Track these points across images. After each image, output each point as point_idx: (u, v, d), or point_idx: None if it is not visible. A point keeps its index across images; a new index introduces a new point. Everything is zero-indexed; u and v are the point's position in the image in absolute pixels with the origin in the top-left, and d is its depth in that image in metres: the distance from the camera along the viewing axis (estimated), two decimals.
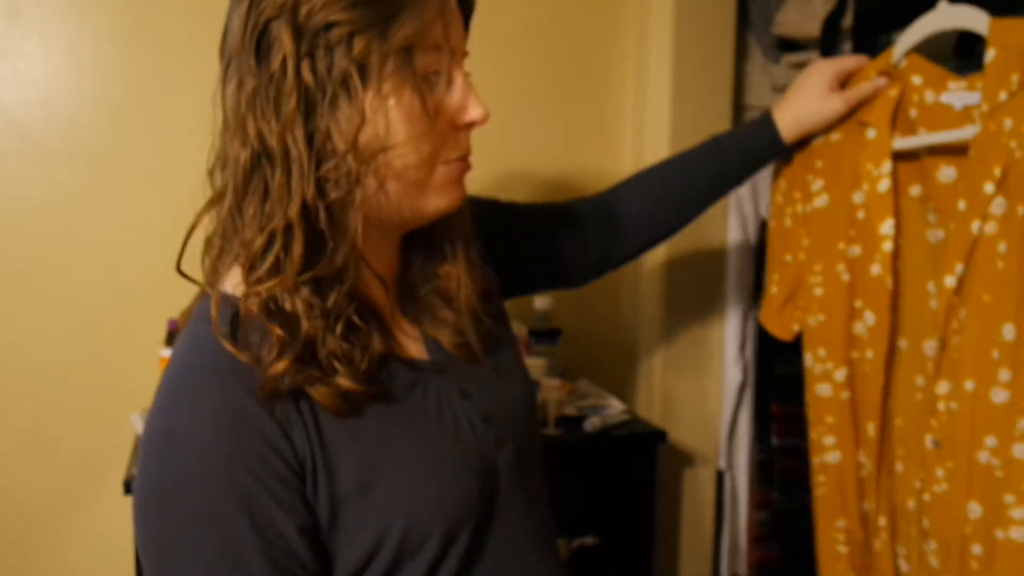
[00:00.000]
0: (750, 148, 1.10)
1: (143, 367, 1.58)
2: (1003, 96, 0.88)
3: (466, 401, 0.76)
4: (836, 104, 1.07)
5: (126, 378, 1.58)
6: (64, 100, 1.52)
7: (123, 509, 1.30)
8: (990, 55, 0.90)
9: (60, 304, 1.55)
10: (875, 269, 1.04)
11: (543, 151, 1.75)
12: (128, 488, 1.25)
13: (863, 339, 1.08)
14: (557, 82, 1.75)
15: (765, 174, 1.72)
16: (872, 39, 1.43)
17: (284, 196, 0.64)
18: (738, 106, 1.76)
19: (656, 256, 1.68)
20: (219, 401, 0.63)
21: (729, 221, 1.68)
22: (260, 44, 0.65)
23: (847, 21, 1.47)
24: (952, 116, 0.96)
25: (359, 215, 0.66)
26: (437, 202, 0.73)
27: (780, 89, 1.76)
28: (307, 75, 0.63)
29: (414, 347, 0.77)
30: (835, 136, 1.08)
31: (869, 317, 1.06)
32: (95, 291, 1.56)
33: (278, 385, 0.63)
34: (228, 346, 0.64)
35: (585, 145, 1.78)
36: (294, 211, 0.64)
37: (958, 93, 0.95)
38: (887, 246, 1.01)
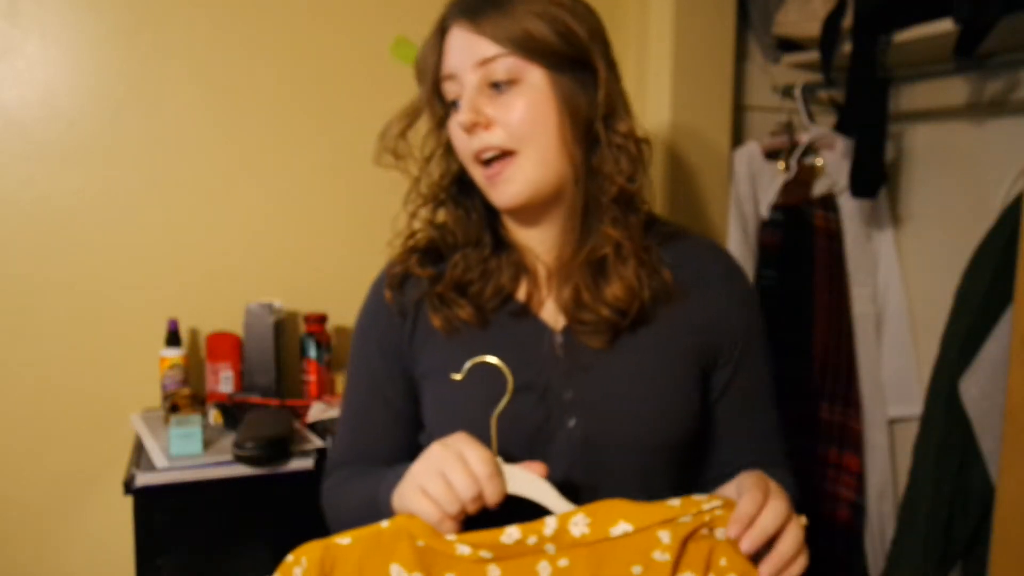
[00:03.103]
0: None
1: (143, 367, 1.58)
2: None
3: (561, 376, 0.89)
4: None
5: (126, 378, 1.58)
6: (64, 100, 1.52)
7: (123, 509, 1.30)
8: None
9: (60, 304, 1.55)
10: None
11: None
12: (128, 488, 1.25)
13: None
14: None
15: (765, 174, 1.72)
16: (872, 39, 1.43)
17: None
18: (738, 106, 1.77)
19: None
20: (373, 290, 1.01)
21: (729, 221, 1.68)
22: None
23: (847, 21, 1.47)
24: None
25: (475, 206, 0.95)
26: (492, 199, 0.90)
27: (780, 89, 1.76)
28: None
29: (552, 313, 0.93)
30: None
31: None
32: (95, 291, 1.56)
33: (401, 286, 0.96)
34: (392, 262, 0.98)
35: None
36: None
37: None
38: None
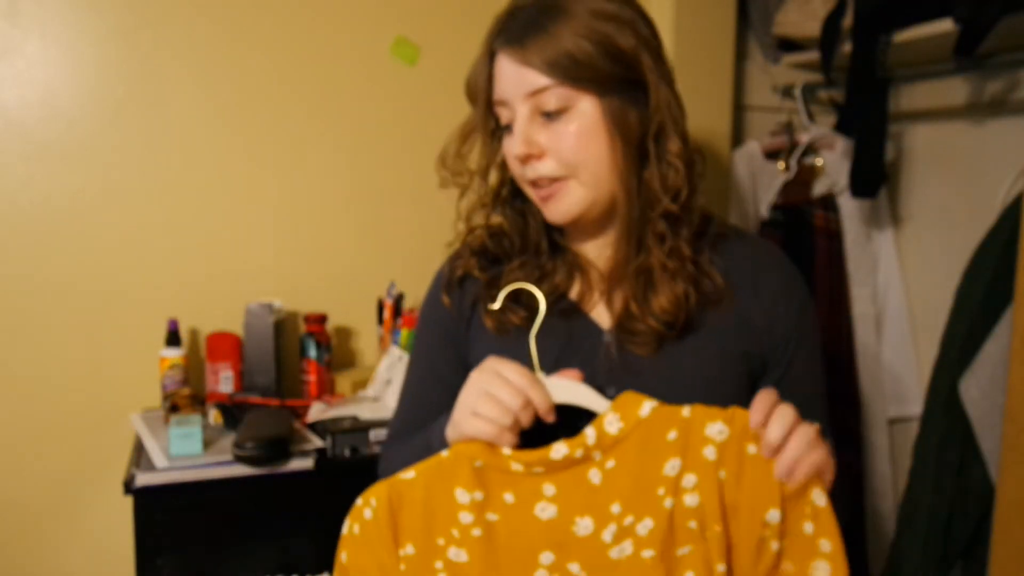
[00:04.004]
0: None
1: (143, 367, 1.58)
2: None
3: (605, 374, 0.90)
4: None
5: (126, 378, 1.58)
6: (64, 100, 1.52)
7: (123, 509, 1.30)
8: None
9: (60, 304, 1.55)
10: None
11: None
12: (128, 488, 1.25)
13: None
14: None
15: (765, 174, 1.72)
16: (872, 39, 1.43)
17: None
18: (738, 106, 1.77)
19: None
20: (436, 281, 1.04)
21: (729, 221, 1.68)
22: None
23: (847, 21, 1.47)
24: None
25: (532, 211, 0.98)
26: (545, 215, 0.93)
27: (780, 89, 1.76)
28: None
29: (603, 314, 0.95)
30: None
31: None
32: (95, 291, 1.56)
33: (459, 286, 1.00)
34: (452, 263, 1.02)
35: None
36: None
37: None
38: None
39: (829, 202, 1.67)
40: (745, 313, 0.93)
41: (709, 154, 1.70)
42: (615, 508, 0.78)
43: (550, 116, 0.87)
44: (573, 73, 0.85)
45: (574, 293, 0.97)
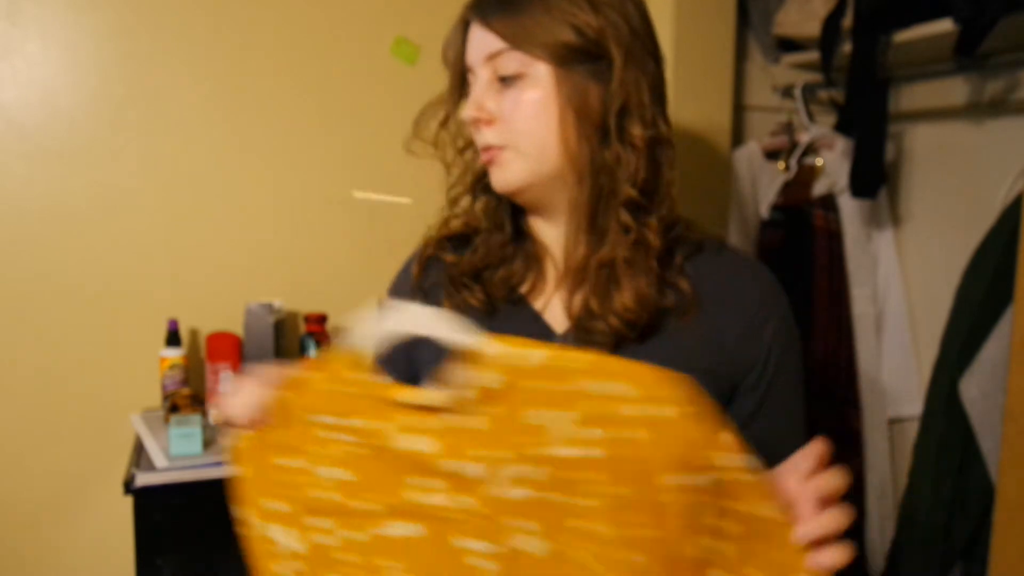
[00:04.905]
0: None
1: (143, 367, 1.58)
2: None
3: None
4: None
5: (126, 378, 1.58)
6: (64, 100, 1.52)
7: (123, 509, 1.30)
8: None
9: (60, 304, 1.55)
10: None
11: None
12: (128, 488, 1.25)
13: None
14: None
15: (765, 174, 1.72)
16: (872, 39, 1.43)
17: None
18: (738, 106, 1.76)
19: None
20: (404, 268, 1.01)
21: (729, 221, 1.68)
22: None
23: (847, 21, 1.47)
24: None
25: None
26: (490, 181, 0.89)
27: (780, 89, 1.76)
28: None
29: (557, 316, 0.90)
30: None
31: None
32: (95, 291, 1.56)
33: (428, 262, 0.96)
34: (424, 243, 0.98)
35: None
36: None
37: None
38: None
39: (829, 202, 1.67)
40: (715, 329, 0.87)
41: (709, 154, 1.70)
42: (493, 454, 0.70)
43: (506, 82, 0.85)
44: (530, 39, 0.83)
45: (526, 286, 0.93)
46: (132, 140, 1.56)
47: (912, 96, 1.56)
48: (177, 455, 1.29)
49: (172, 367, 1.51)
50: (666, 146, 0.88)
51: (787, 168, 1.67)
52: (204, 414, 1.46)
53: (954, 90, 1.48)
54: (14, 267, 1.52)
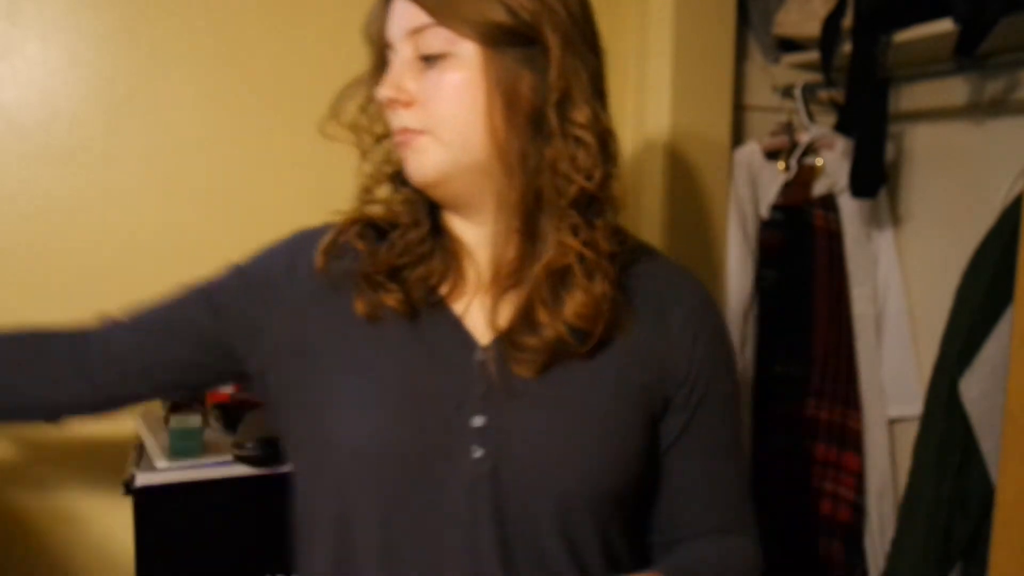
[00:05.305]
0: None
1: None
2: None
3: (476, 399, 0.79)
4: None
5: None
6: (64, 100, 1.52)
7: (123, 509, 1.30)
8: None
9: (59, 304, 1.55)
10: None
11: None
12: (128, 488, 1.25)
13: None
14: None
15: (765, 174, 1.72)
16: (872, 39, 1.43)
17: None
18: (738, 106, 1.76)
19: None
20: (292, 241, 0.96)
21: (729, 221, 1.68)
22: None
23: (847, 21, 1.47)
24: None
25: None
26: (404, 170, 0.82)
27: (780, 89, 1.76)
28: None
29: (479, 325, 0.82)
30: None
31: None
32: (95, 291, 1.56)
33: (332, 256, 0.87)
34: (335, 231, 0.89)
35: None
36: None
37: None
38: None
39: (829, 202, 1.67)
40: (648, 343, 0.82)
41: (709, 154, 1.70)
42: None
43: (429, 62, 0.77)
44: (457, 14, 0.75)
45: (445, 287, 0.84)
46: (132, 140, 1.56)
47: (912, 96, 1.56)
48: (177, 455, 1.29)
49: None
50: (613, 142, 0.82)
51: (787, 168, 1.67)
52: (204, 414, 1.46)
53: (954, 90, 1.48)
54: (14, 267, 1.52)
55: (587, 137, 0.78)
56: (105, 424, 1.56)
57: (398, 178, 0.86)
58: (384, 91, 0.79)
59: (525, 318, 0.78)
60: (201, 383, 1.01)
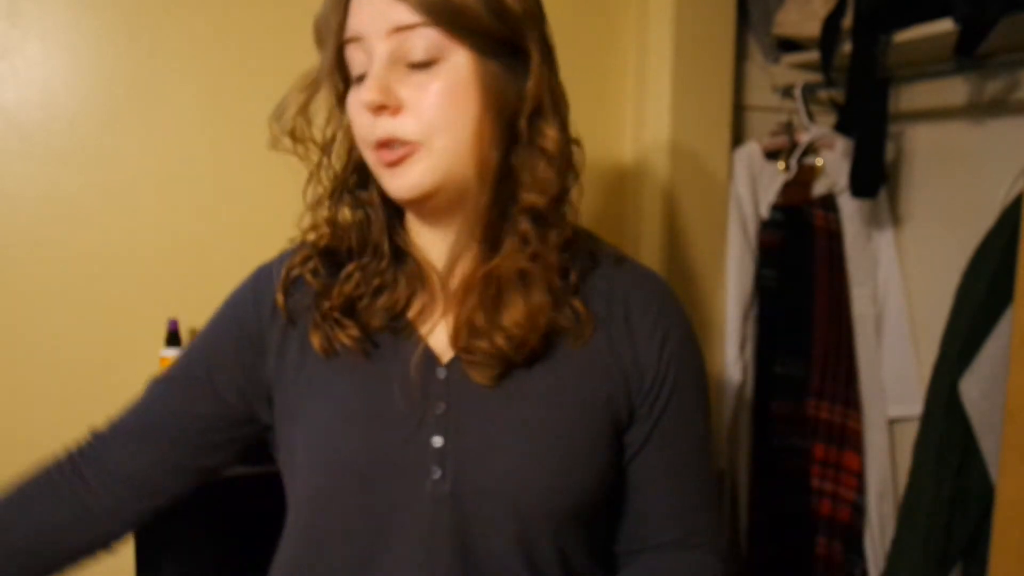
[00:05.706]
0: None
1: (143, 367, 1.58)
2: None
3: (437, 418, 0.77)
4: None
5: (126, 378, 1.58)
6: (64, 100, 1.52)
7: None
8: None
9: (59, 304, 1.55)
10: None
11: None
12: None
13: None
14: None
15: (765, 174, 1.72)
16: (872, 39, 1.43)
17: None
18: (738, 106, 1.77)
19: (655, 256, 1.68)
20: (253, 281, 0.93)
21: (729, 221, 1.68)
22: None
23: (847, 21, 1.47)
24: None
25: (374, 204, 0.81)
26: (386, 187, 0.76)
27: (780, 89, 1.76)
28: None
29: (442, 342, 0.80)
30: None
31: None
32: (95, 291, 1.56)
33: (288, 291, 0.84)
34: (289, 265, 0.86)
35: (584, 146, 1.77)
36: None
37: None
38: None
39: (829, 202, 1.67)
40: (611, 353, 0.79)
41: (709, 154, 1.70)
42: None
43: (414, 68, 0.72)
44: (450, 16, 0.70)
45: (413, 311, 0.81)
46: (132, 140, 1.56)
47: (912, 96, 1.56)
48: None
49: None
50: (575, 154, 0.81)
51: (787, 168, 1.67)
52: None
53: (954, 90, 1.48)
54: (13, 267, 1.52)
55: (551, 148, 0.76)
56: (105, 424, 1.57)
57: (344, 194, 0.82)
58: (369, 95, 0.71)
59: (468, 324, 0.76)
60: (237, 450, 0.99)
